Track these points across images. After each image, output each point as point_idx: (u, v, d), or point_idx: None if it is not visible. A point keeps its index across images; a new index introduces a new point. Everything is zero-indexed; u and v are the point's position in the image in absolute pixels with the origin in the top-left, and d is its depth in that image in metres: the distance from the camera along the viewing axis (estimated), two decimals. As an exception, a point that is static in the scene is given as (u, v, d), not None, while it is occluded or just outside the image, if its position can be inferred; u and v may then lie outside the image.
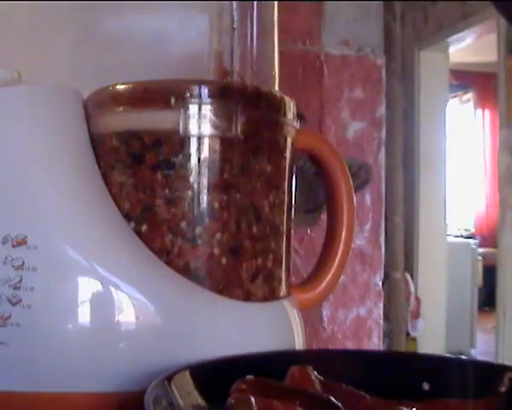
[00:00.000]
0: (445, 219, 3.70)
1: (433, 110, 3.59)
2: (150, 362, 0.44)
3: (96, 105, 0.49)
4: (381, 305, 1.25)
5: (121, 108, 0.48)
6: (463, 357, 0.52)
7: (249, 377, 0.38)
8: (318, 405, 0.36)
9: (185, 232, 0.46)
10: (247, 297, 0.48)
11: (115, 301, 0.44)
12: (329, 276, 0.55)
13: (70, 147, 0.48)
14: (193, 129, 0.46)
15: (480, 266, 4.62)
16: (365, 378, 0.42)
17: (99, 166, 0.48)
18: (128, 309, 0.44)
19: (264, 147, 0.49)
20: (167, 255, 0.46)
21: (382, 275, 1.26)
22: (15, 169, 0.46)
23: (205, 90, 0.47)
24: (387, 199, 1.27)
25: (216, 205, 0.47)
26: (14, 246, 0.44)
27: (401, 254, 3.40)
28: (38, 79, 0.49)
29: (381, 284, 1.25)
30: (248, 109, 0.47)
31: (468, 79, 5.48)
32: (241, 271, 0.48)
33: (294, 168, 0.52)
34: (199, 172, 0.47)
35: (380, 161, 1.21)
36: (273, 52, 0.58)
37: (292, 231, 0.53)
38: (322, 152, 0.54)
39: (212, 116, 0.47)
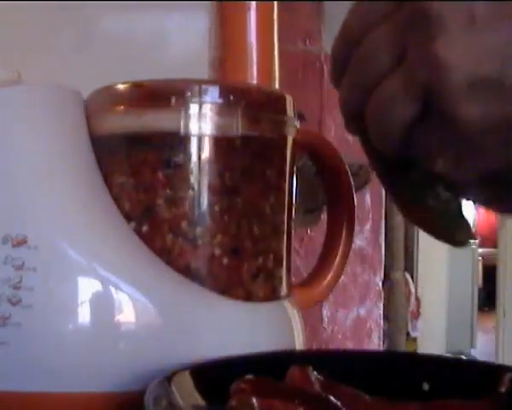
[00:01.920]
0: (444, 219, 3.69)
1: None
2: (150, 362, 0.44)
3: (96, 105, 0.49)
4: (381, 305, 1.25)
5: (121, 108, 0.48)
6: (463, 357, 0.52)
7: (249, 376, 0.38)
8: (318, 405, 0.36)
9: (186, 232, 0.46)
10: (248, 297, 0.48)
11: (115, 301, 0.44)
12: (329, 276, 0.55)
13: (70, 147, 0.48)
14: (193, 129, 0.46)
15: (479, 266, 4.62)
16: (365, 378, 0.42)
17: (99, 167, 0.48)
18: (128, 309, 0.44)
19: (264, 146, 0.49)
20: (168, 255, 0.46)
21: (382, 275, 1.26)
22: (15, 169, 0.46)
23: (205, 90, 0.47)
24: (387, 199, 1.27)
25: (217, 205, 0.47)
26: (14, 246, 0.44)
27: (401, 254, 3.39)
28: (38, 79, 0.49)
29: (381, 284, 1.25)
30: (249, 108, 0.47)
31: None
32: (242, 271, 0.48)
33: (295, 168, 0.52)
34: (200, 172, 0.47)
35: (380, 161, 1.21)
36: (273, 52, 0.58)
37: (292, 231, 0.53)
38: (322, 152, 0.54)
39: (213, 115, 0.47)
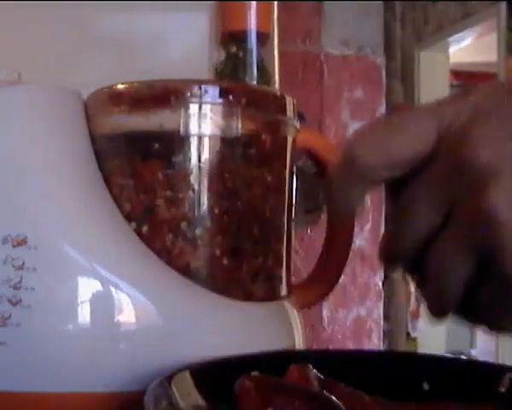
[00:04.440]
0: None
1: (433, 110, 3.59)
2: (150, 362, 0.44)
3: (96, 105, 0.49)
4: (381, 305, 1.25)
5: (121, 108, 0.48)
6: (463, 357, 0.52)
7: (254, 373, 0.37)
8: (319, 404, 0.36)
9: (186, 233, 0.46)
10: (248, 297, 0.48)
11: (115, 301, 0.44)
12: (329, 276, 0.55)
13: (70, 147, 0.48)
14: (193, 129, 0.46)
15: (479, 266, 4.61)
16: (365, 378, 0.42)
17: (99, 167, 0.48)
18: (128, 309, 0.44)
19: (264, 146, 0.49)
20: (168, 256, 0.46)
21: (382, 275, 1.26)
22: (15, 169, 0.46)
23: (205, 90, 0.47)
24: (387, 199, 1.27)
25: (216, 205, 0.47)
26: (14, 246, 0.44)
27: (401, 254, 3.38)
28: (38, 79, 0.49)
29: (381, 284, 1.25)
30: (249, 108, 0.47)
31: (468, 79, 5.48)
32: (242, 271, 0.48)
33: (294, 168, 0.52)
34: (199, 172, 0.47)
35: (380, 161, 1.22)
36: (273, 52, 0.58)
37: (292, 231, 0.53)
38: (322, 152, 0.54)
39: (213, 116, 0.47)
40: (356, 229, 0.56)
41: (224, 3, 0.57)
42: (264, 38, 0.55)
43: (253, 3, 0.55)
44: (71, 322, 0.44)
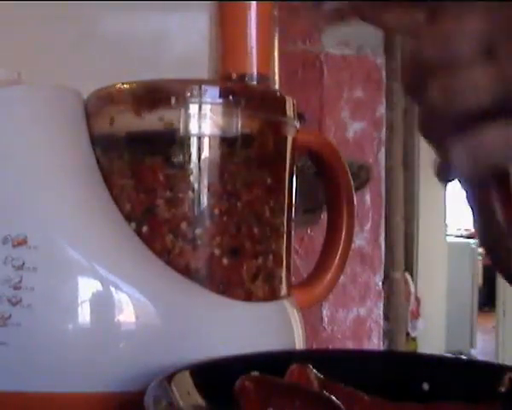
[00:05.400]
0: (445, 219, 3.70)
1: (433, 110, 3.59)
2: (150, 362, 0.44)
3: (96, 105, 0.49)
4: (381, 305, 1.25)
5: (121, 108, 0.48)
6: (463, 357, 0.52)
7: (254, 373, 0.37)
8: (319, 404, 0.36)
9: (186, 233, 0.46)
10: (248, 297, 0.48)
11: (115, 301, 0.44)
12: (329, 276, 0.55)
13: (70, 147, 0.48)
14: (193, 129, 0.46)
15: (479, 266, 4.62)
16: (365, 378, 0.42)
17: (99, 167, 0.48)
18: (128, 309, 0.44)
19: (264, 146, 0.49)
20: (168, 256, 0.46)
21: (382, 275, 1.26)
22: (15, 169, 0.46)
23: (205, 90, 0.47)
24: (387, 199, 1.27)
25: (216, 205, 0.47)
26: (14, 246, 0.44)
27: (401, 254, 3.39)
28: (38, 79, 0.49)
29: (381, 284, 1.25)
30: (249, 109, 0.47)
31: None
32: (242, 271, 0.48)
33: (295, 168, 0.52)
34: (199, 172, 0.47)
35: (380, 161, 1.21)
36: (273, 52, 0.58)
37: (292, 231, 0.53)
38: (322, 152, 0.54)
39: (213, 116, 0.47)
40: (356, 229, 0.56)
41: (225, 46, 0.56)
42: (263, 78, 0.55)
43: (254, 46, 0.55)
44: (71, 322, 0.44)
